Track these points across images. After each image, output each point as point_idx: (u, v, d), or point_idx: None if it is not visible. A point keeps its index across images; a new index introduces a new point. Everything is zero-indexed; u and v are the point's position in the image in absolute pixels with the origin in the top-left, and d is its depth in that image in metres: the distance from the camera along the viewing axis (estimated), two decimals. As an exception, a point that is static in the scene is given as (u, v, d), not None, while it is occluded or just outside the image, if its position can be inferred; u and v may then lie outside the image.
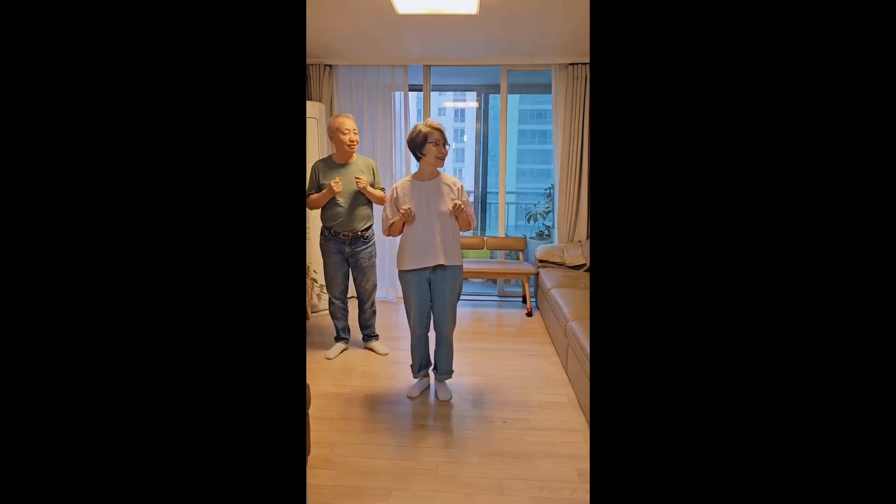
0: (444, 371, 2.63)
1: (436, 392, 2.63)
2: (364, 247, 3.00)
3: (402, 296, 2.56)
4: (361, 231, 2.95)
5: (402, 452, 2.10)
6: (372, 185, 2.93)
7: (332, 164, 2.96)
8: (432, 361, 2.70)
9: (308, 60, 4.09)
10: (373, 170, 2.99)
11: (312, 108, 3.77)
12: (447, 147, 2.42)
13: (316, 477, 1.92)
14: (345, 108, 4.21)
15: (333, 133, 2.88)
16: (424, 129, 2.36)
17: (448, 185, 2.43)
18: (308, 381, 2.17)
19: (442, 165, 2.45)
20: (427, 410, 2.47)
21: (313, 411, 2.33)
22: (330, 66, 4.14)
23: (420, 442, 2.18)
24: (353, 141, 2.87)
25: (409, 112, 4.23)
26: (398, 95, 4.19)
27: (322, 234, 3.03)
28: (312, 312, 3.93)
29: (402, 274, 2.50)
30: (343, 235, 2.94)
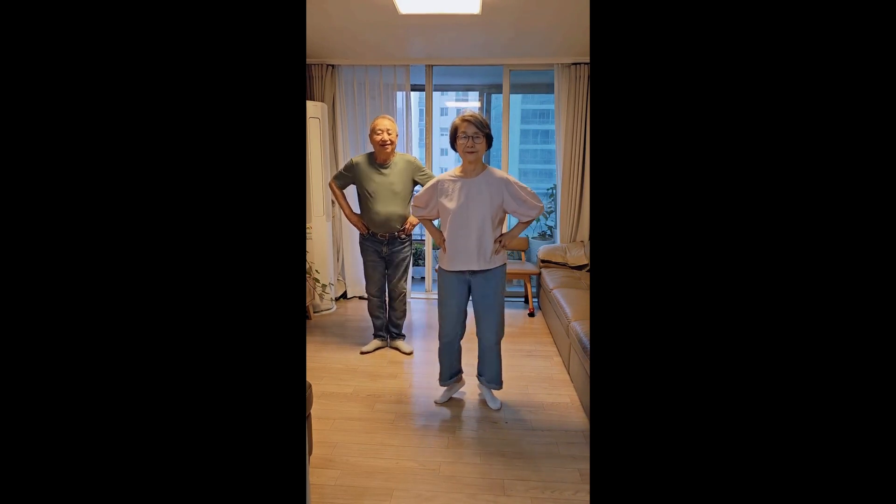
0: (490, 380, 2.46)
1: (485, 399, 2.51)
2: (400, 246, 3.05)
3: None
4: (398, 231, 2.99)
5: (403, 452, 2.10)
6: (415, 182, 2.97)
7: (373, 162, 2.96)
8: (461, 369, 2.57)
9: (310, 60, 4.09)
10: (414, 167, 2.97)
11: (315, 108, 3.77)
12: (477, 140, 2.14)
13: (318, 476, 1.92)
14: (347, 109, 4.22)
15: (370, 134, 2.91)
16: (456, 122, 2.18)
17: (493, 183, 2.20)
18: (310, 380, 2.17)
19: (471, 160, 2.19)
20: (429, 411, 2.47)
21: (315, 411, 2.33)
22: (332, 65, 4.14)
23: (422, 442, 2.19)
24: (385, 141, 2.85)
25: (412, 112, 4.23)
26: (400, 95, 4.19)
27: (360, 234, 3.07)
28: (315, 312, 3.94)
29: (440, 272, 2.38)
30: (381, 236, 3.00)
